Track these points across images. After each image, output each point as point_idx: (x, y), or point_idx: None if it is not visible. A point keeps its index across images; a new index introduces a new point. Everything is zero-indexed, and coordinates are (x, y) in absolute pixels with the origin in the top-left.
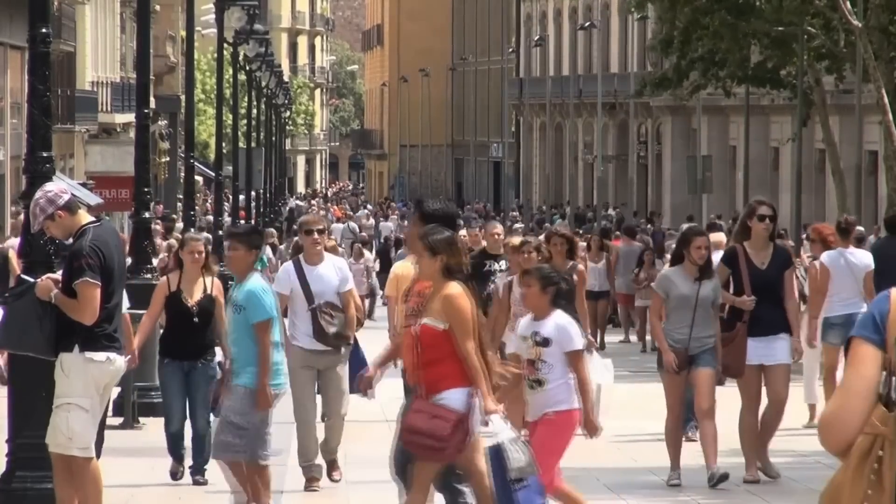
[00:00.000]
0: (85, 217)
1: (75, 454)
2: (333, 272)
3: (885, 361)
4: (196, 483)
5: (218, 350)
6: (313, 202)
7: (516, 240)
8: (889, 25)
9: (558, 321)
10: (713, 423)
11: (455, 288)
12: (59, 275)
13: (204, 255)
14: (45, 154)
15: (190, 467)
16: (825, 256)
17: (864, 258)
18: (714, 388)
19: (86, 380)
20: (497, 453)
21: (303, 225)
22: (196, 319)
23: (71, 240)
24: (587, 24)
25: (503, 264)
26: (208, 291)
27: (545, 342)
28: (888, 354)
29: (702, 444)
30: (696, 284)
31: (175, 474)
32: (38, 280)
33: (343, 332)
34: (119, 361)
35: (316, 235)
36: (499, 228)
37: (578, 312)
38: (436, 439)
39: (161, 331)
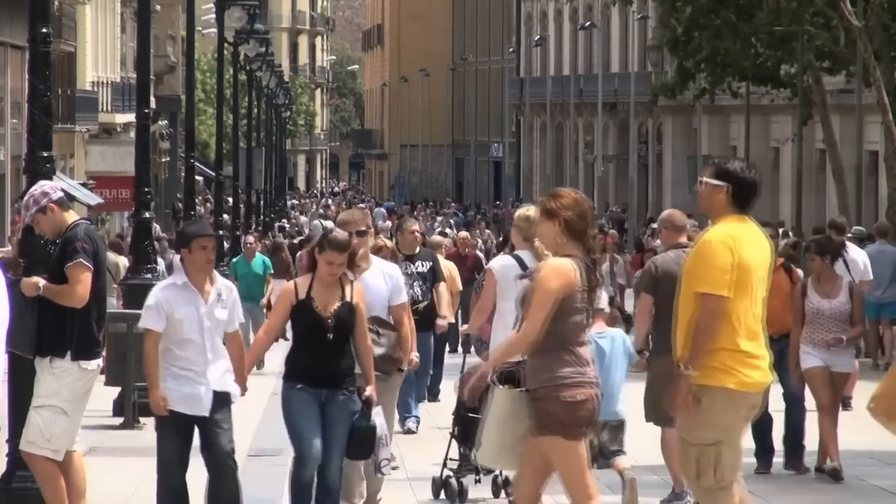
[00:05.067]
0: (74, 216)
1: (48, 455)
2: (382, 281)
3: None
4: None
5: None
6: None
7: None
8: (890, 24)
9: None
10: None
11: None
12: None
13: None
14: (45, 154)
15: None
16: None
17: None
18: None
19: (74, 388)
20: None
21: (341, 225)
22: (331, 336)
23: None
24: (587, 24)
25: (420, 265)
26: (347, 299)
27: None
28: None
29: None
30: None
31: None
32: (23, 278)
33: (392, 355)
34: (99, 367)
35: (355, 238)
36: (415, 226)
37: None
38: None
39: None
